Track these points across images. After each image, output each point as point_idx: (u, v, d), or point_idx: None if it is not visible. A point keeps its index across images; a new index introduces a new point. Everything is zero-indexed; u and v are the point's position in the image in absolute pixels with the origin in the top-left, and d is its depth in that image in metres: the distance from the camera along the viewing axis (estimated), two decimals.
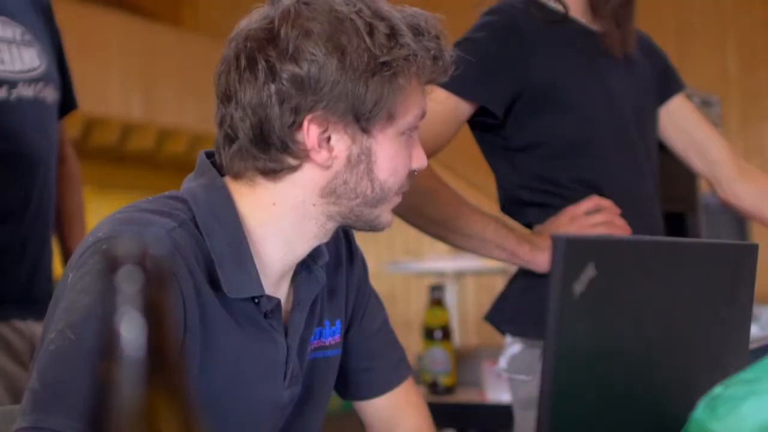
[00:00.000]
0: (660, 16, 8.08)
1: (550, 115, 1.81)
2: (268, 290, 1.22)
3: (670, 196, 1.98)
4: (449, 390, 2.74)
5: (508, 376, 1.86)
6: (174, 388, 0.52)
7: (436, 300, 2.82)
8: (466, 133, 1.87)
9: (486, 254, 1.80)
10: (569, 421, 0.90)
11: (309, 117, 1.17)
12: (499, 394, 2.53)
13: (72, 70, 2.07)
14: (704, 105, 2.59)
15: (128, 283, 0.51)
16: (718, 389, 0.98)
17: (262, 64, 1.17)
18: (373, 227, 1.26)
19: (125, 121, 8.74)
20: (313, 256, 1.28)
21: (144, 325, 0.51)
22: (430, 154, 1.79)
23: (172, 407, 0.51)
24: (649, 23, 1.95)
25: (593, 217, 1.78)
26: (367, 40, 1.16)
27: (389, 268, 7.01)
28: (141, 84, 8.55)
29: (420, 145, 1.26)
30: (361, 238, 1.38)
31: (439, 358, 2.74)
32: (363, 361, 1.41)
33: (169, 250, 1.12)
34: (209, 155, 1.27)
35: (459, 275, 6.93)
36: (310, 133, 1.18)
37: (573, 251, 0.87)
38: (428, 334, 2.77)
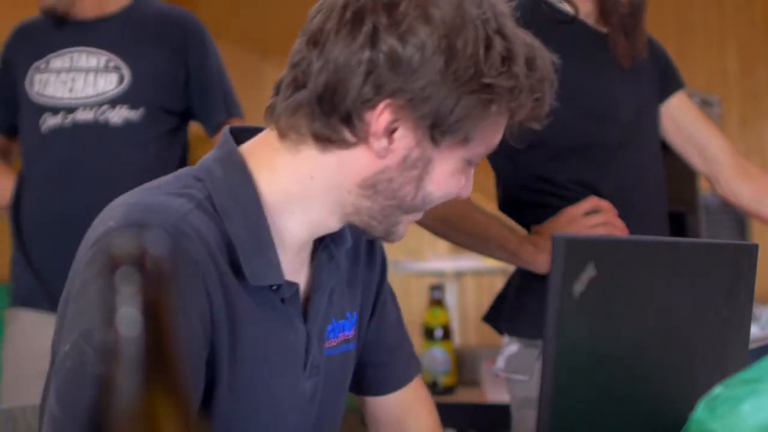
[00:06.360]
0: (660, 15, 8.08)
1: (552, 114, 1.81)
2: (288, 274, 1.12)
3: (670, 196, 1.98)
4: (449, 390, 2.74)
5: (506, 375, 1.86)
6: (174, 388, 0.52)
7: (436, 300, 2.82)
8: None
9: (487, 254, 1.80)
10: (569, 421, 0.90)
11: (388, 101, 1.07)
12: (498, 394, 2.53)
13: None
14: (704, 105, 2.59)
15: (127, 283, 0.51)
16: (718, 389, 0.98)
17: (368, 26, 1.06)
18: (388, 234, 1.16)
19: None
20: (335, 240, 1.19)
21: (144, 325, 0.51)
22: None
23: (172, 407, 0.51)
24: (650, 22, 1.95)
25: (592, 218, 1.78)
26: (481, 53, 1.07)
27: (389, 268, 6.97)
28: None
29: (472, 176, 1.18)
30: None
31: (439, 358, 2.74)
32: (380, 355, 1.33)
33: (171, 250, 1.04)
34: (238, 131, 1.17)
35: (459, 275, 6.92)
36: (381, 117, 1.08)
37: (573, 251, 0.87)
38: (428, 334, 2.77)
